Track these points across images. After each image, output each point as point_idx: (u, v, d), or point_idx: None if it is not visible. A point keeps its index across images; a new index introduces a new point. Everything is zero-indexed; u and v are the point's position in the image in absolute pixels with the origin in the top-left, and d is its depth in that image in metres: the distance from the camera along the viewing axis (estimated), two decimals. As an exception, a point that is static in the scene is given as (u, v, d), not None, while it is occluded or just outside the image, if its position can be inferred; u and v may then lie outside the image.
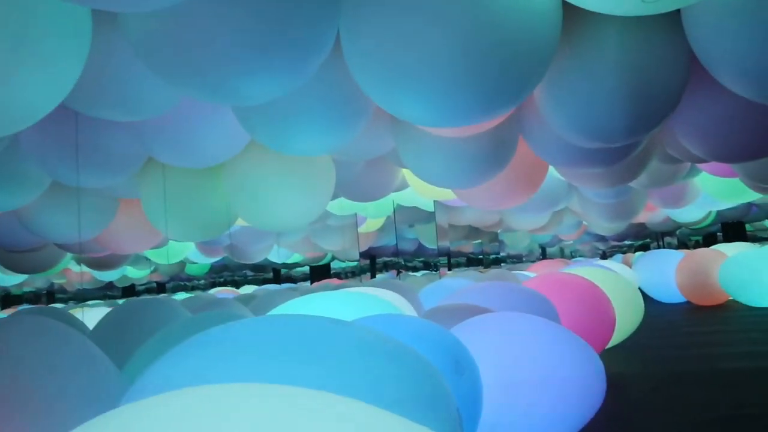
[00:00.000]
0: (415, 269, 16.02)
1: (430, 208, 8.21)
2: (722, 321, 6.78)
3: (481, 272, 8.13)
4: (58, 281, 15.56)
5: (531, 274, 7.37)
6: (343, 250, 10.91)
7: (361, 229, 9.49)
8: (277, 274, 18.11)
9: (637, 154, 3.99)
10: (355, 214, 8.59)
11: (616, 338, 4.88)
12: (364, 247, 10.64)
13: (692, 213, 10.03)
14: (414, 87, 2.36)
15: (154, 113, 3.11)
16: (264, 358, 1.49)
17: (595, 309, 4.21)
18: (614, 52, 2.77)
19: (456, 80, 2.27)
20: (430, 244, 12.05)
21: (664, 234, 17.69)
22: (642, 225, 13.01)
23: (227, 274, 18.84)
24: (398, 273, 12.59)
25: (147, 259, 10.62)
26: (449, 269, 13.62)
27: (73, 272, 13.59)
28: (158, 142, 3.65)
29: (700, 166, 5.68)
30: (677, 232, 17.15)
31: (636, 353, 5.00)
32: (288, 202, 4.45)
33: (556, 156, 3.77)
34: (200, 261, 11.22)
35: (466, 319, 2.83)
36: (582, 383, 2.46)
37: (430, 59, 2.26)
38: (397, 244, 9.91)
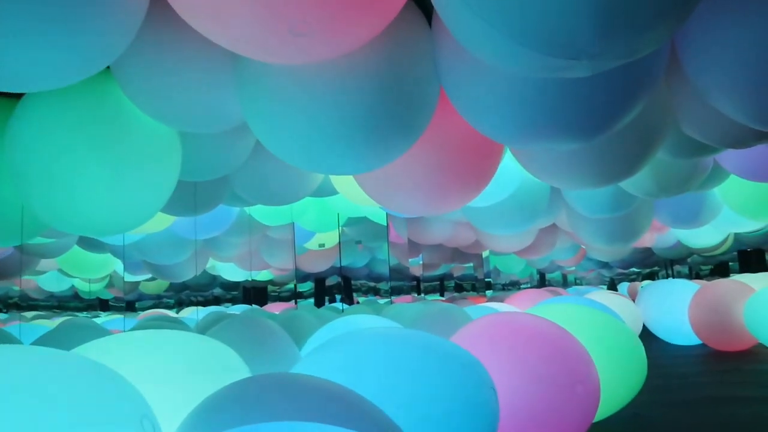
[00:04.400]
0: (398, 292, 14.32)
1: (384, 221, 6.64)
2: (753, 378, 5.12)
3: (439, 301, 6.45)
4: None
5: (501, 307, 5.76)
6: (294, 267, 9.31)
7: (309, 244, 7.90)
8: (252, 294, 16.20)
9: (634, 122, 2.41)
10: (292, 224, 7.02)
11: (603, 410, 3.26)
12: (319, 267, 9.02)
13: (709, 236, 8.39)
14: None
15: None
16: None
17: (564, 372, 2.60)
18: None
19: None
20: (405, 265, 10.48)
21: (673, 261, 15.91)
22: (648, 250, 11.33)
23: (188, 292, 17.20)
24: (344, 300, 10.99)
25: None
26: (418, 294, 11.91)
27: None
28: None
29: (726, 164, 4.09)
30: (689, 260, 15.34)
31: (633, 434, 3.38)
32: (98, 192, 2.90)
33: (492, 111, 2.19)
34: (128, 278, 9.68)
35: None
36: None
37: None
38: (340, 264, 8.29)
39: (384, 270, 12.53)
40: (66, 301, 15.73)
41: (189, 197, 4.59)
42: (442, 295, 15.30)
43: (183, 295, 17.29)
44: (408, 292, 10.92)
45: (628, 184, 4.33)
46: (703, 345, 6.78)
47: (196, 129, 2.95)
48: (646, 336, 7.12)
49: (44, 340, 3.40)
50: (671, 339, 7.25)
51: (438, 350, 2.28)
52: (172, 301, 17.24)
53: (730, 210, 5.92)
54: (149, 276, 9.53)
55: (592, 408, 2.65)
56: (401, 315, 4.24)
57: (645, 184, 4.19)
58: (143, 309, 17.51)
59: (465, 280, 16.15)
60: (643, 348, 3.50)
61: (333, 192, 4.99)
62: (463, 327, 2.89)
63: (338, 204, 6.11)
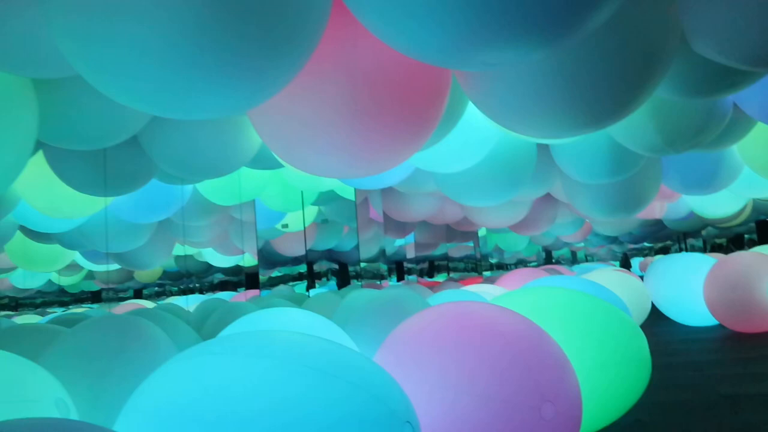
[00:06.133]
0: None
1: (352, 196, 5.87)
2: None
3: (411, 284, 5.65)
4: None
5: (487, 290, 5.00)
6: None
7: (279, 225, 7.15)
8: (250, 279, 15.42)
9: (623, 33, 1.62)
10: (253, 202, 6.26)
11: (594, 421, 2.53)
12: (296, 250, 8.27)
13: (725, 204, 7.56)
14: None
15: None
16: None
17: (527, 387, 1.84)
18: None
19: None
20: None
21: (686, 234, 15.02)
22: (659, 223, 10.49)
23: (187, 280, 16.57)
24: (307, 286, 10.27)
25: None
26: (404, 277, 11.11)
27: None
28: None
29: (748, 106, 3.28)
30: (703, 233, 14.41)
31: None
32: None
33: (401, 5, 1.41)
34: (89, 268, 9.00)
35: None
36: None
37: None
38: (305, 247, 7.53)
39: (372, 251, 11.71)
40: (55, 297, 15.14)
41: (103, 173, 3.87)
42: (448, 274, 14.62)
43: (183, 282, 16.59)
44: (401, 275, 10.16)
45: (627, 138, 3.54)
46: (720, 326, 5.99)
47: (33, 72, 2.19)
48: (656, 317, 6.35)
49: None
50: (684, 320, 6.47)
51: (330, 368, 1.52)
52: (174, 288, 16.56)
53: (751, 171, 5.11)
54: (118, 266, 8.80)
55: (572, 414, 1.90)
56: (351, 305, 3.49)
57: (647, 136, 3.40)
58: (150, 297, 16.70)
59: (465, 260, 15.39)
60: (645, 342, 2.72)
61: (277, 163, 4.23)
62: (398, 326, 2.13)
63: (301, 179, 5.35)
